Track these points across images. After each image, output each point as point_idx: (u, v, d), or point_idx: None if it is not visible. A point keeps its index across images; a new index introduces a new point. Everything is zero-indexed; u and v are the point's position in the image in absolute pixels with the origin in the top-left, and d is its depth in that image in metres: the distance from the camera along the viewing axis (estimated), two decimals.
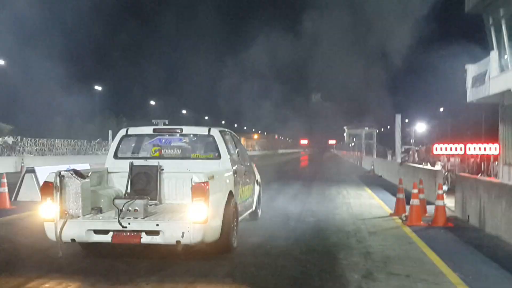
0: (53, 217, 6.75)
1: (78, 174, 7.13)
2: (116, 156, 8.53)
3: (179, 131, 8.53)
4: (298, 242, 8.55)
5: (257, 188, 10.65)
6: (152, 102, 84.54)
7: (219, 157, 8.31)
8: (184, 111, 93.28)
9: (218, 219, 7.07)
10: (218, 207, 7.15)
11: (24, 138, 44.59)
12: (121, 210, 6.80)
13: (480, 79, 19.10)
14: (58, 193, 6.80)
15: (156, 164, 8.21)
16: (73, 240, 6.80)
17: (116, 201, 6.97)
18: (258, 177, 11.02)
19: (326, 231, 9.72)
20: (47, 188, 6.77)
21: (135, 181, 8.15)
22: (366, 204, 14.02)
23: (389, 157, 35.95)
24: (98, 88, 65.54)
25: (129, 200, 6.95)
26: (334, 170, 35.09)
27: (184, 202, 7.70)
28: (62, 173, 6.98)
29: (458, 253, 7.99)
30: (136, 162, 8.27)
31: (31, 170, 14.74)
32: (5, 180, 13.04)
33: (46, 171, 15.21)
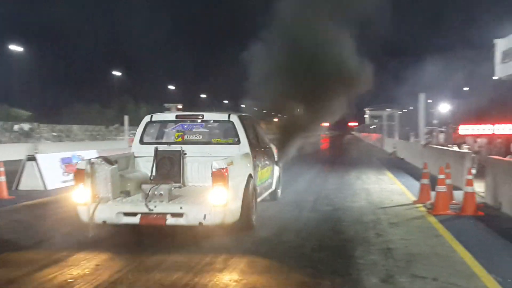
0: (86, 201, 7.17)
1: (107, 160, 7.53)
2: (141, 141, 9.02)
3: (200, 117, 8.94)
4: (310, 237, 7.64)
5: (276, 169, 10.89)
6: (171, 87, 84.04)
7: (238, 142, 8.69)
8: (203, 95, 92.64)
9: (238, 201, 7.38)
10: (238, 190, 7.46)
11: (41, 125, 44.23)
12: (147, 194, 7.21)
13: (510, 54, 17.94)
14: (89, 179, 7.21)
15: (179, 149, 8.63)
16: (104, 222, 7.24)
17: (143, 186, 7.44)
18: (277, 158, 11.10)
19: (343, 222, 8.78)
20: (79, 174, 7.19)
21: (159, 166, 8.59)
22: (387, 190, 12.99)
23: (412, 139, 34.75)
24: (116, 73, 65.19)
25: (155, 185, 7.36)
26: (354, 153, 34.02)
27: (206, 184, 8.05)
28: (92, 160, 7.41)
29: (492, 249, 6.99)
30: (161, 147, 8.72)
31: (32, 158, 14.04)
32: (2, 169, 12.34)
33: (48, 158, 14.61)
